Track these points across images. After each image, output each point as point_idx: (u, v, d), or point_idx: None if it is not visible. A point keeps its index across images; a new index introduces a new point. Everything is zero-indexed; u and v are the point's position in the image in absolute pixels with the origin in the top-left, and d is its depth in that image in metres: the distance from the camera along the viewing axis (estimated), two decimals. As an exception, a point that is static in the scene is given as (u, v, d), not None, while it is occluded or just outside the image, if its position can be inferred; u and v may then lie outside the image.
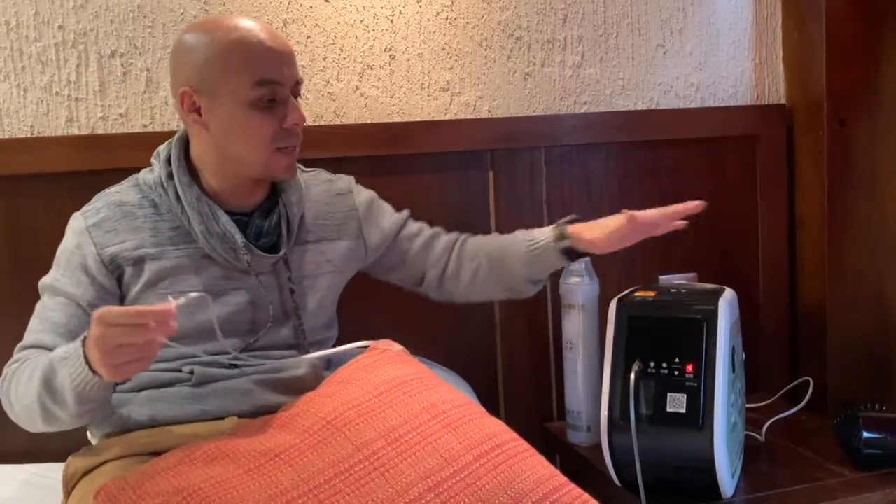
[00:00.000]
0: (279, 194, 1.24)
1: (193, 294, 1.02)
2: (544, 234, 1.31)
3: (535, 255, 1.31)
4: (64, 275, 1.16)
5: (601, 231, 1.23)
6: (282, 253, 1.21)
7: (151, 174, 1.20)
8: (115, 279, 1.17)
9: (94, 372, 0.98)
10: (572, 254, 1.29)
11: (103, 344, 0.93)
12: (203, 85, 1.13)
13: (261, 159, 1.16)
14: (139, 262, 1.16)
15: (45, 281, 1.19)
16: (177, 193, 1.17)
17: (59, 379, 1.02)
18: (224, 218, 1.17)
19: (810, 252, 1.79)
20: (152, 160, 1.22)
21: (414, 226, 1.40)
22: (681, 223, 1.24)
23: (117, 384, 1.14)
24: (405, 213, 1.41)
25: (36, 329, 1.15)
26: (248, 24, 1.14)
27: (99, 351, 0.94)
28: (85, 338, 0.99)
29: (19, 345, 1.15)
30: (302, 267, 1.25)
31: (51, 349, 1.11)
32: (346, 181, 1.37)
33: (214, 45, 1.12)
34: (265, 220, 1.21)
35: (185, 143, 1.21)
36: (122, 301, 1.18)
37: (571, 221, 1.30)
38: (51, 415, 1.06)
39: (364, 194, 1.37)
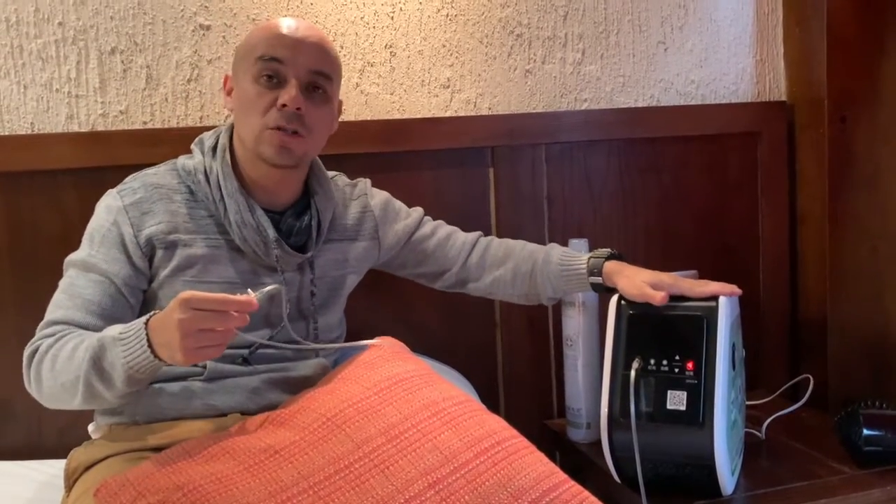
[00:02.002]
0: (312, 196, 1.25)
1: (270, 287, 1.05)
2: (580, 262, 1.33)
3: (566, 278, 1.34)
4: (99, 251, 1.15)
5: (633, 289, 1.24)
6: (309, 254, 1.23)
7: (191, 160, 1.21)
8: (147, 260, 1.17)
9: (154, 356, 0.98)
10: (600, 288, 1.32)
11: (186, 326, 0.94)
12: (233, 68, 1.21)
13: (253, 134, 1.16)
14: (171, 247, 1.16)
15: (75, 256, 1.17)
16: (217, 182, 1.18)
17: (109, 358, 1.01)
18: (259, 211, 1.18)
19: (811, 249, 1.79)
20: (193, 147, 1.23)
21: (428, 226, 1.41)
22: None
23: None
24: (419, 213, 1.42)
25: (64, 304, 1.13)
26: (284, 18, 1.20)
27: (180, 333, 0.94)
28: (148, 321, 0.99)
29: (45, 320, 1.13)
30: (323, 266, 1.27)
31: (83, 327, 1.10)
32: (361, 185, 1.39)
33: (248, 35, 1.21)
34: (297, 221, 1.22)
35: (230, 136, 1.23)
36: (149, 283, 1.18)
37: (609, 255, 1.31)
38: (94, 394, 1.05)
39: (379, 196, 1.39)
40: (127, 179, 1.22)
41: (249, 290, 1.00)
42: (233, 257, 1.19)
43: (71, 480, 1.14)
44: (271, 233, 1.18)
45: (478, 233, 1.44)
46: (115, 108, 1.50)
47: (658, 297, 1.21)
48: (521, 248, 1.40)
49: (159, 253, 1.17)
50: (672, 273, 1.27)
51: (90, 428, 1.22)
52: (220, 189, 1.18)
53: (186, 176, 1.20)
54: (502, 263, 1.39)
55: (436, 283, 1.43)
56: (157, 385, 1.15)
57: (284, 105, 1.14)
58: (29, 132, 1.46)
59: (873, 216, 1.75)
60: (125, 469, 0.99)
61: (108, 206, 1.18)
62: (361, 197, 1.36)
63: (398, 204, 1.41)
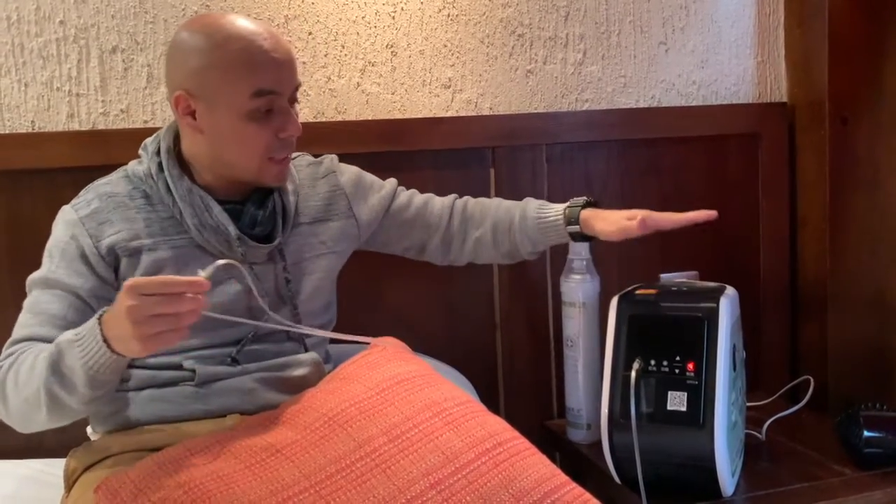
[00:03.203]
0: None
1: (220, 262, 1.01)
2: (556, 212, 1.34)
3: (543, 230, 1.35)
4: (59, 266, 1.13)
5: (610, 227, 1.26)
6: (276, 242, 1.20)
7: (141, 166, 1.18)
8: (112, 270, 1.14)
9: (111, 351, 0.96)
10: (578, 236, 1.33)
11: (136, 314, 0.91)
12: (200, 90, 1.11)
13: (252, 168, 1.15)
14: (135, 254, 1.14)
15: (36, 275, 1.14)
16: (167, 186, 1.15)
17: (67, 362, 0.99)
18: (217, 209, 1.15)
19: (812, 250, 1.79)
20: (140, 152, 1.20)
21: (403, 196, 1.40)
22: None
23: (129, 365, 1.12)
24: (392, 184, 1.40)
25: (29, 323, 1.11)
26: (248, 29, 1.11)
27: (130, 321, 0.91)
28: (101, 316, 0.97)
29: (9, 341, 1.11)
30: (295, 251, 1.24)
31: (49, 342, 1.07)
32: (328, 162, 1.35)
33: (214, 51, 1.09)
34: (259, 209, 1.19)
35: (175, 135, 1.19)
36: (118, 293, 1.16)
37: (585, 203, 1.33)
38: (58, 403, 1.02)
39: (348, 173, 1.35)
40: (81, 192, 1.19)
41: (199, 270, 0.98)
42: (198, 255, 1.16)
43: (71, 480, 1.13)
44: (232, 230, 1.15)
45: (453, 196, 1.43)
46: (115, 107, 1.50)
47: (635, 225, 1.23)
48: (497, 206, 1.40)
49: (124, 261, 1.14)
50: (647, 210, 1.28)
51: (88, 430, 1.22)
52: (172, 193, 1.15)
53: (139, 181, 1.17)
54: (481, 223, 1.39)
55: (423, 254, 1.42)
56: (148, 392, 1.14)
57: (291, 136, 1.14)
58: (29, 131, 1.46)
59: (874, 218, 1.75)
60: (125, 468, 0.99)
61: (65, 221, 1.16)
62: (329, 175, 1.33)
63: (370, 177, 1.38)
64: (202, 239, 1.15)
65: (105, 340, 0.96)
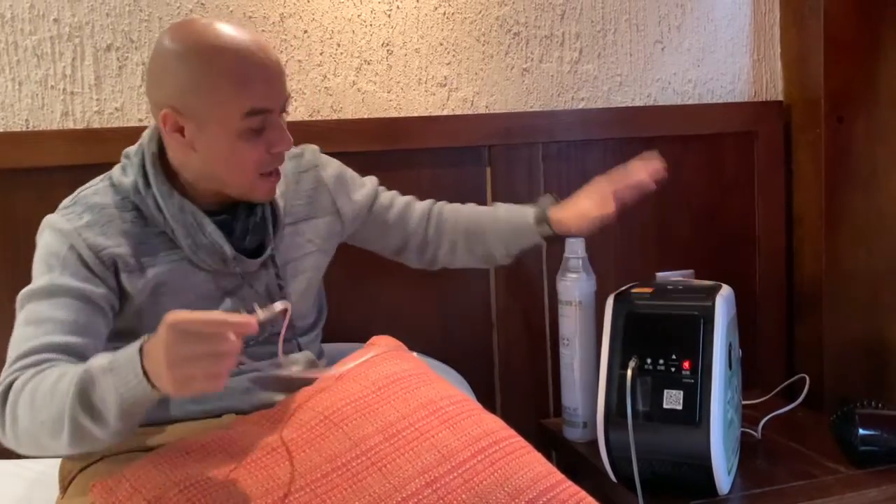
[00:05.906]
0: None
1: (278, 305, 1.00)
2: (526, 217, 1.35)
3: (514, 230, 1.37)
4: (62, 274, 1.05)
5: (579, 220, 1.30)
6: (268, 251, 1.18)
7: (126, 178, 1.12)
8: (115, 280, 1.09)
9: (150, 384, 0.88)
10: (550, 236, 1.35)
11: (170, 353, 0.83)
12: (188, 109, 1.06)
13: (244, 185, 1.11)
14: (136, 270, 1.10)
15: (34, 287, 1.06)
16: (157, 203, 1.11)
17: (99, 392, 0.90)
18: (210, 227, 1.11)
19: (807, 249, 1.79)
20: (123, 160, 1.15)
21: (385, 196, 1.39)
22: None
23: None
24: (373, 182, 1.38)
25: (33, 334, 1.01)
26: (236, 41, 1.05)
27: (165, 361, 0.83)
28: (142, 347, 0.89)
29: (13, 356, 1.00)
30: (283, 253, 1.22)
31: (62, 349, 1.01)
32: (310, 155, 1.32)
33: (202, 69, 1.04)
34: (250, 217, 1.16)
35: (159, 141, 1.14)
36: (121, 302, 1.11)
37: (552, 202, 1.36)
38: (83, 433, 0.93)
39: (331, 167, 1.33)
40: (64, 203, 1.12)
41: (256, 305, 0.94)
42: (195, 271, 1.13)
43: (66, 482, 1.12)
44: (228, 250, 1.12)
45: (430, 201, 1.43)
46: (110, 106, 1.49)
47: (609, 210, 1.29)
48: (471, 211, 1.43)
49: (124, 276, 1.09)
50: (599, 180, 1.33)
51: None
52: (162, 211, 1.10)
53: (127, 193, 1.12)
54: (454, 229, 1.40)
55: (399, 256, 1.43)
56: None
57: (280, 150, 1.10)
58: (24, 129, 1.46)
59: (869, 216, 1.75)
60: (120, 468, 0.99)
61: (59, 231, 1.08)
62: (312, 170, 1.30)
63: (350, 172, 1.36)
64: (196, 258, 1.12)
65: (145, 374, 0.88)
